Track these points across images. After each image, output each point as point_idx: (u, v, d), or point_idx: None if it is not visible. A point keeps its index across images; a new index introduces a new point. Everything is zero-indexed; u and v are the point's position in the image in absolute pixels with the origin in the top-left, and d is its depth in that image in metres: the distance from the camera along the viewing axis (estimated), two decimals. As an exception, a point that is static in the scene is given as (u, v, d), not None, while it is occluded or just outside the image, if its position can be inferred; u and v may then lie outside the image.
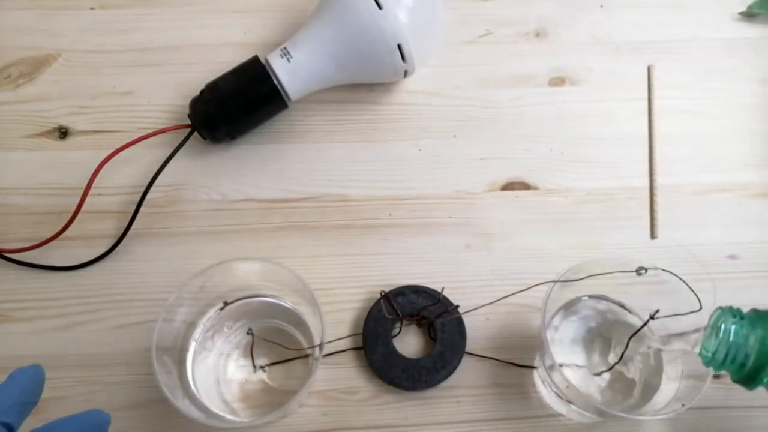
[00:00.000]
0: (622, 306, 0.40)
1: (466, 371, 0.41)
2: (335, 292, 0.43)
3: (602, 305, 0.41)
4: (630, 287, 0.39)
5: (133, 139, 0.44)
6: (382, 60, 0.44)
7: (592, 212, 0.46)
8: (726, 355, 0.30)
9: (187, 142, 0.45)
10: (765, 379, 0.30)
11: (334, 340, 0.42)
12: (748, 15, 0.53)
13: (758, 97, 0.50)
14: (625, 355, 0.39)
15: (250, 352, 0.40)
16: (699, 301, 0.35)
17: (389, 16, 0.42)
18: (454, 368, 0.41)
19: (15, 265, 0.43)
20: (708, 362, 0.31)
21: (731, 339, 0.30)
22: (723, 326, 0.31)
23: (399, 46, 0.43)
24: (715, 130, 0.49)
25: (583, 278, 0.38)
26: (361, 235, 0.45)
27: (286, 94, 0.44)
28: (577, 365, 0.40)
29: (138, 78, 0.49)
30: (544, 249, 0.45)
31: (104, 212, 0.45)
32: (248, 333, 0.40)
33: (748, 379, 0.30)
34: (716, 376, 0.42)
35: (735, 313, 0.31)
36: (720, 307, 0.32)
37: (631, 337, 0.38)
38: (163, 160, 0.45)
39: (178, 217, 0.45)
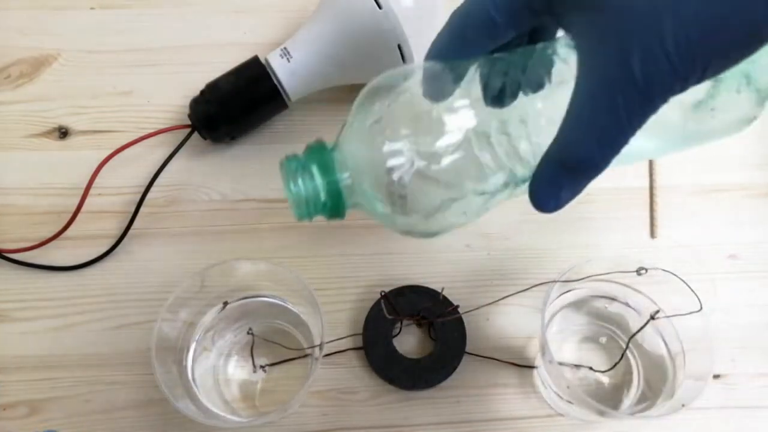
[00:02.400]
0: (624, 304, 0.40)
1: (466, 371, 0.41)
2: (335, 292, 0.43)
3: (602, 305, 0.41)
4: (630, 287, 0.39)
5: (133, 139, 0.44)
6: (382, 60, 0.44)
7: (592, 212, 0.46)
8: (307, 206, 0.28)
9: (187, 142, 0.45)
10: (346, 206, 0.28)
11: (334, 340, 0.42)
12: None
13: (758, 97, 0.50)
14: (625, 354, 0.39)
15: (250, 352, 0.40)
16: (699, 301, 0.36)
17: (389, 16, 0.42)
18: (454, 368, 0.41)
19: (15, 265, 0.43)
20: (297, 214, 0.29)
21: (303, 193, 0.28)
22: (292, 184, 0.28)
23: (399, 46, 0.43)
24: (715, 130, 0.49)
25: (583, 278, 0.38)
26: (361, 235, 0.45)
27: (286, 94, 0.44)
28: (577, 365, 0.40)
29: (138, 78, 0.49)
30: (544, 249, 0.45)
31: (104, 212, 0.45)
32: (248, 333, 0.40)
33: (335, 213, 0.29)
34: (716, 376, 0.42)
35: (295, 163, 0.28)
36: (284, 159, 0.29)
37: (631, 337, 0.39)
38: (163, 160, 0.45)
39: (178, 217, 0.45)
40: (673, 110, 0.28)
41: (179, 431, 0.40)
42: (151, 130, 0.45)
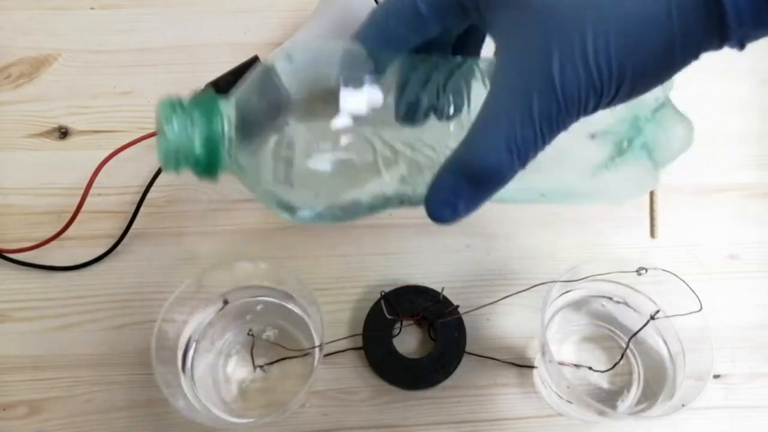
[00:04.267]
0: (624, 304, 0.40)
1: (466, 371, 0.41)
2: (335, 292, 0.43)
3: (602, 305, 0.41)
4: (630, 287, 0.39)
5: (133, 139, 0.44)
6: (382, 60, 0.44)
7: (592, 212, 0.46)
8: (176, 156, 0.25)
9: (187, 142, 0.45)
10: (221, 164, 0.26)
11: (334, 340, 0.42)
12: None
13: (758, 97, 0.50)
14: (625, 354, 0.39)
15: (250, 352, 0.40)
16: (699, 301, 0.36)
17: (389, 16, 0.42)
18: (454, 368, 0.41)
19: (15, 265, 0.43)
20: (164, 163, 0.26)
21: (175, 140, 0.25)
22: (165, 126, 0.25)
23: (399, 46, 0.43)
24: (714, 130, 0.49)
25: (583, 278, 0.38)
26: (361, 235, 0.45)
27: (286, 94, 0.44)
28: (577, 365, 0.40)
29: (138, 78, 0.49)
30: (544, 249, 0.45)
31: (104, 212, 0.45)
32: (248, 333, 0.40)
33: (208, 169, 0.26)
34: (716, 376, 0.42)
35: (175, 105, 0.25)
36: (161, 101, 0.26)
37: (631, 337, 0.39)
38: (163, 160, 0.45)
39: (178, 217, 0.45)
40: (578, 147, 0.28)
41: (179, 431, 0.40)
42: (152, 130, 0.45)
